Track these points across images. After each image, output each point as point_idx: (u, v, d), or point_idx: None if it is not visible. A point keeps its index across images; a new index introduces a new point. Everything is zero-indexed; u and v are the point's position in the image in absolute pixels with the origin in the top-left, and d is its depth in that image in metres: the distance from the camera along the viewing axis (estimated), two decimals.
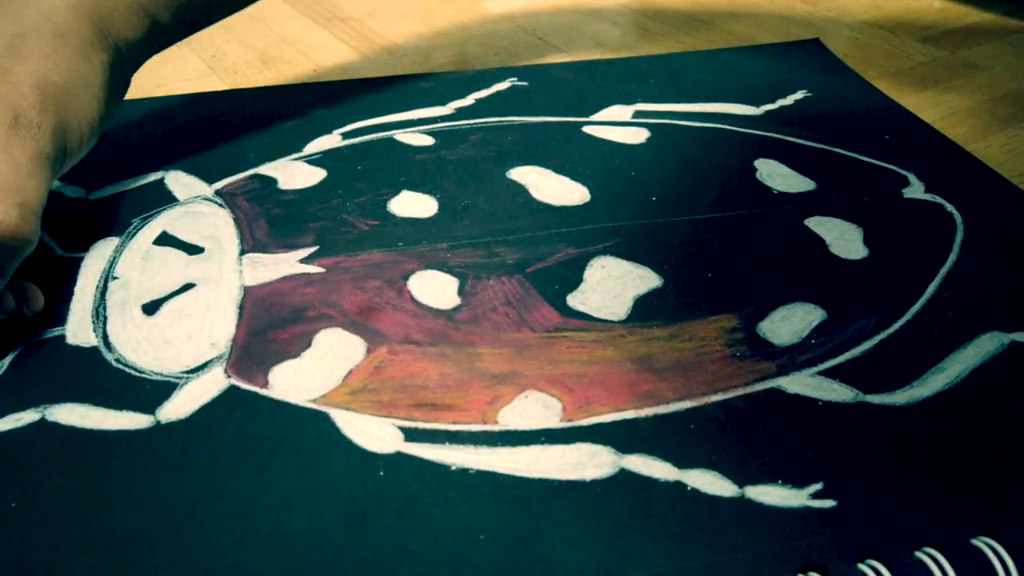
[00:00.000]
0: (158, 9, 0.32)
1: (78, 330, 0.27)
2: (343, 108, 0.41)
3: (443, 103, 0.41)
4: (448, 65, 0.47)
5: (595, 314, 0.28)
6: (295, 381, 0.25)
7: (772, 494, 0.22)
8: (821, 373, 0.25)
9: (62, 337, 0.27)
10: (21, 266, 0.27)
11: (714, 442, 0.23)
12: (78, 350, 0.27)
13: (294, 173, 0.35)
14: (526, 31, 0.52)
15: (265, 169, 0.36)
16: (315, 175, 0.35)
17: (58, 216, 0.32)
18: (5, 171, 0.25)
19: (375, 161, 0.36)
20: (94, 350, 0.27)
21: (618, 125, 0.39)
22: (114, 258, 0.31)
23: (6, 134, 0.26)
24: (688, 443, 0.23)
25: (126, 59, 0.32)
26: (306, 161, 0.36)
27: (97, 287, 0.29)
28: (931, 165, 0.35)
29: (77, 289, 0.29)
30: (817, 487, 0.22)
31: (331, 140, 0.38)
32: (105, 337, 0.27)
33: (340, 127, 0.39)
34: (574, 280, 0.29)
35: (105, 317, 0.28)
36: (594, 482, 0.22)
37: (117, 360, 0.26)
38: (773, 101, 0.41)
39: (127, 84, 0.33)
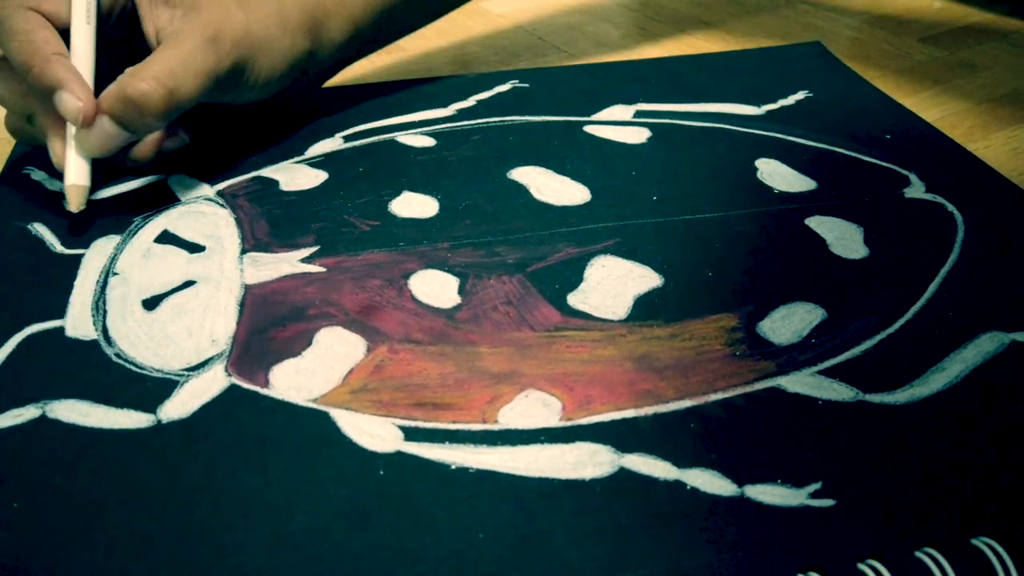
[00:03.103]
0: (364, 22, 0.39)
1: (77, 323, 0.28)
2: (345, 111, 0.41)
3: (444, 104, 0.41)
4: (449, 65, 0.47)
5: (595, 313, 0.28)
6: (296, 380, 0.25)
7: (772, 493, 0.22)
8: (821, 372, 0.25)
9: (61, 329, 0.27)
10: (19, 261, 0.28)
11: (714, 441, 0.23)
12: (77, 343, 0.27)
13: (295, 175, 0.35)
14: (526, 31, 0.52)
15: (267, 171, 0.36)
16: (316, 177, 0.35)
17: (60, 214, 0.32)
18: (180, 65, 0.31)
19: (376, 163, 0.36)
20: (94, 344, 0.27)
21: (619, 125, 0.39)
22: (115, 255, 0.31)
23: (202, 44, 0.32)
24: (688, 442, 0.23)
25: (325, 58, 0.38)
26: (308, 164, 0.36)
27: (97, 282, 0.29)
28: (932, 165, 0.35)
29: (77, 283, 0.29)
30: (816, 486, 0.22)
31: (333, 143, 0.38)
32: (105, 331, 0.27)
33: (342, 130, 0.39)
34: (575, 279, 0.29)
35: (105, 311, 0.28)
36: (593, 481, 0.22)
37: (117, 355, 0.26)
38: (774, 101, 0.41)
39: (321, 80, 0.40)
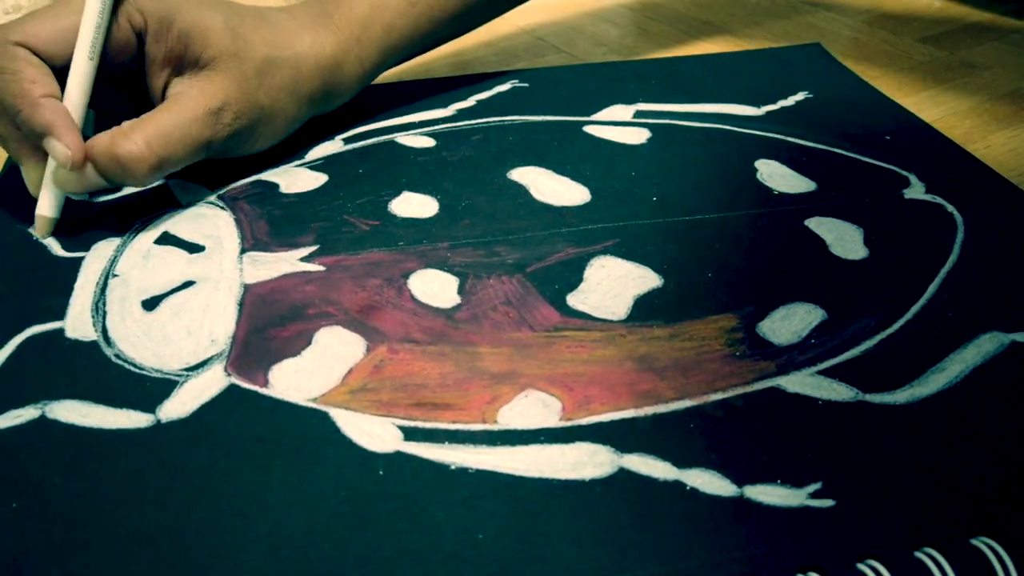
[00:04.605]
0: (373, 74, 0.38)
1: (77, 324, 0.28)
2: (345, 113, 0.41)
3: (444, 105, 0.41)
4: (448, 65, 0.47)
5: (595, 314, 0.28)
6: (295, 380, 0.25)
7: (771, 493, 0.22)
8: (821, 372, 0.25)
9: (61, 331, 0.27)
10: (20, 263, 0.28)
11: (713, 441, 0.23)
12: (77, 344, 0.27)
13: (296, 178, 0.35)
14: (526, 31, 0.52)
15: (267, 175, 0.36)
16: (317, 179, 0.35)
17: (61, 218, 0.32)
18: (177, 133, 0.31)
19: (376, 164, 0.36)
20: (93, 344, 0.27)
21: (619, 125, 0.39)
22: (115, 257, 0.31)
23: (204, 115, 0.31)
24: (687, 442, 0.23)
25: (327, 112, 0.38)
26: (308, 167, 0.36)
27: (97, 284, 0.29)
28: (932, 165, 0.35)
29: (77, 285, 0.29)
30: (816, 486, 0.22)
31: (333, 145, 0.38)
32: (104, 332, 0.27)
33: (342, 132, 0.39)
34: (574, 280, 0.29)
35: (105, 312, 0.28)
36: (593, 481, 0.22)
37: (117, 356, 0.26)
38: (774, 102, 0.41)
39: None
